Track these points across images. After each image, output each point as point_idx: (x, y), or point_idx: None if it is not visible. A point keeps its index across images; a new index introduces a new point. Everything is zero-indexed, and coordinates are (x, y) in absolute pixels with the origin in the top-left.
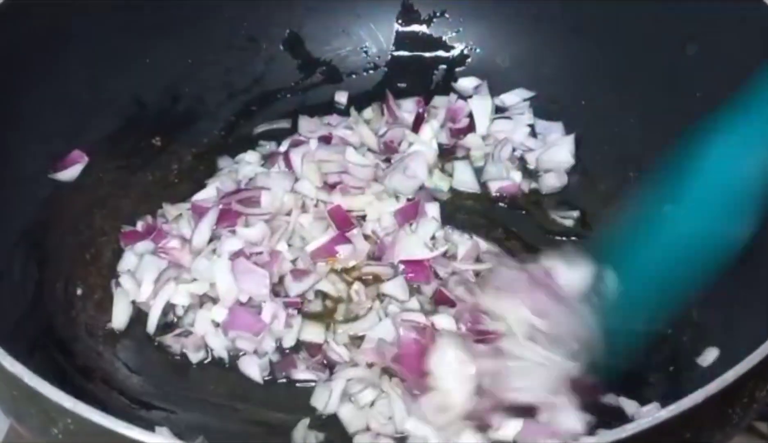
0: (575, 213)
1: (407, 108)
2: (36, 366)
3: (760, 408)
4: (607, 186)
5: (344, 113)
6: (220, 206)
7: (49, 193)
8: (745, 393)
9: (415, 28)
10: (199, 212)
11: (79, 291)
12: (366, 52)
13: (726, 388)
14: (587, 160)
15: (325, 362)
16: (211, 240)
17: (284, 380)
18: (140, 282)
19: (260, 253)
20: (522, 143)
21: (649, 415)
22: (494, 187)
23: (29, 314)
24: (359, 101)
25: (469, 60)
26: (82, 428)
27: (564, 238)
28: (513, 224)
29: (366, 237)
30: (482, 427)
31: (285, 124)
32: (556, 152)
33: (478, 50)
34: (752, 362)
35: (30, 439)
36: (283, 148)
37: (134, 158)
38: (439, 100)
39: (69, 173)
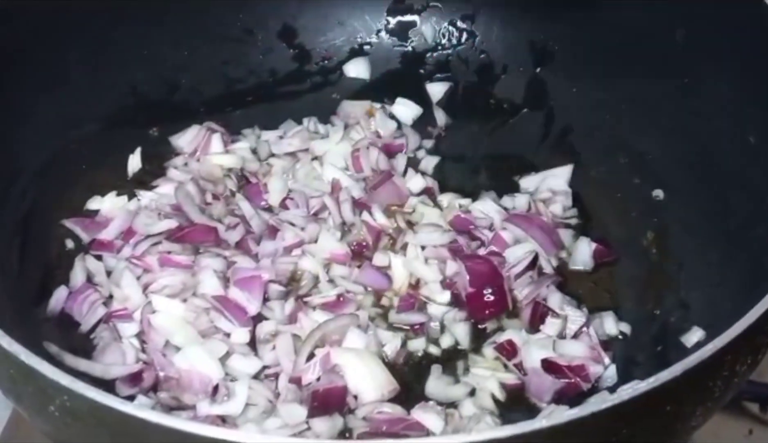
0: (574, 211)
1: None
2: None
3: (742, 383)
4: (598, 172)
5: None
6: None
7: (47, 183)
8: (725, 367)
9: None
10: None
11: None
12: (360, 42)
13: (704, 361)
14: (579, 147)
15: None
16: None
17: None
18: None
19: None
20: None
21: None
22: None
23: (29, 303)
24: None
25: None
26: (78, 405)
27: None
28: None
29: None
30: None
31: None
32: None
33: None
34: (730, 336)
35: (29, 425)
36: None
37: (131, 148)
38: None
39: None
